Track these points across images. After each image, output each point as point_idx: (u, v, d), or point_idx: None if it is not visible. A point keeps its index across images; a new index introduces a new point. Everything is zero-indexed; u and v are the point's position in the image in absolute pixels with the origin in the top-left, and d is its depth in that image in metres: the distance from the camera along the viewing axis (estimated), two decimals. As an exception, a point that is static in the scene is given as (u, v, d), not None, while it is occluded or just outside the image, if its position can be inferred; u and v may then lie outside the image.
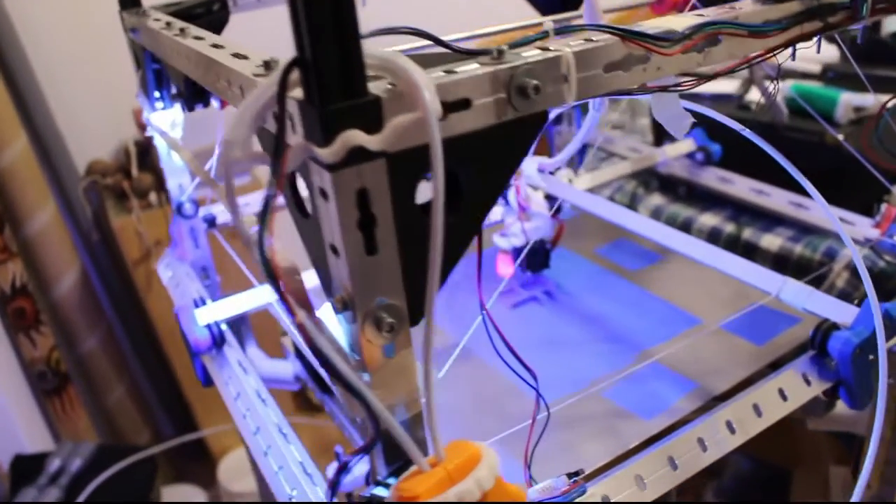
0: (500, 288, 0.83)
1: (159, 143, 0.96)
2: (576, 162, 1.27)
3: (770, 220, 1.17)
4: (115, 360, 1.94)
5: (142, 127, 1.84)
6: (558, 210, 0.90)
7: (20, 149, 1.63)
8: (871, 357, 0.60)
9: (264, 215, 0.35)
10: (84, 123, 1.82)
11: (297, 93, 0.36)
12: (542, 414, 0.55)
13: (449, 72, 0.39)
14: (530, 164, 0.88)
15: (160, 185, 1.65)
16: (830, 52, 1.44)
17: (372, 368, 0.42)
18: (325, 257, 0.41)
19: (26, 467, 1.59)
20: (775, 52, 0.51)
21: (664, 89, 0.50)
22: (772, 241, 1.14)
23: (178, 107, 0.90)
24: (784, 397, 0.60)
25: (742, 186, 1.02)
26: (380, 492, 0.41)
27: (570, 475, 0.50)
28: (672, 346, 0.80)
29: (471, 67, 0.40)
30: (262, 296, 0.82)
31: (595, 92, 0.44)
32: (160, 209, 1.69)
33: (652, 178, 1.38)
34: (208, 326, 0.78)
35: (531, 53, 0.42)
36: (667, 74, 0.48)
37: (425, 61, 0.39)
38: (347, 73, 0.35)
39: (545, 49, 0.43)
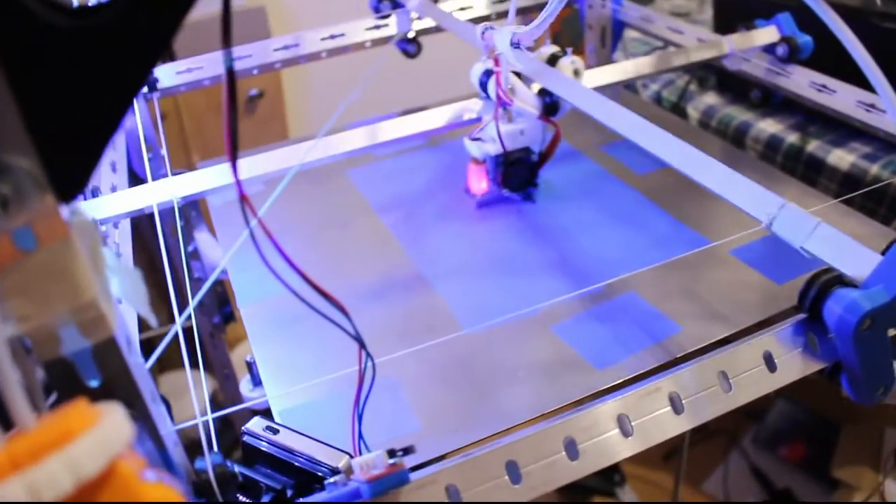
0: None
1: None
2: (609, 48, 1.04)
3: (845, 132, 0.93)
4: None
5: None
6: (552, 110, 0.68)
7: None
8: (891, 332, 0.39)
9: None
10: None
11: None
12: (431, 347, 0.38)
13: None
14: (502, 37, 0.67)
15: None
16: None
17: (-3, 267, 0.25)
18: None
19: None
20: None
21: None
22: (842, 157, 0.90)
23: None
24: (751, 375, 0.40)
25: (799, 79, 0.78)
26: None
27: (390, 453, 0.33)
28: (661, 275, 0.61)
29: None
30: (158, 193, 0.63)
31: None
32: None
33: (710, 74, 1.14)
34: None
35: None
36: None
37: None
38: None
39: None
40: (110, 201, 0.61)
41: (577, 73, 0.72)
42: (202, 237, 0.97)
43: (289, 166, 0.66)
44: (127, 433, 0.21)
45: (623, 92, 1.08)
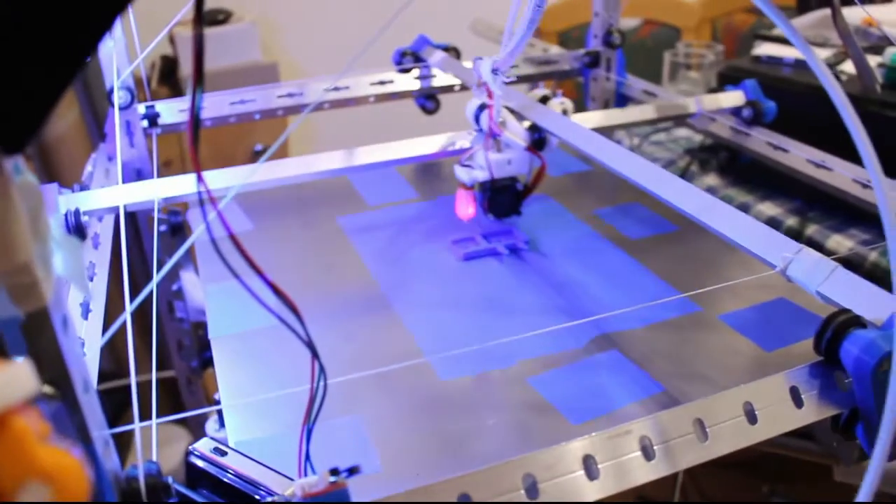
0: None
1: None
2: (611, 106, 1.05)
3: (845, 218, 0.92)
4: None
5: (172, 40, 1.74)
6: (540, 145, 0.69)
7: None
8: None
9: None
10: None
11: None
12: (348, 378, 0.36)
13: None
14: (485, 65, 0.69)
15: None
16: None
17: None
18: None
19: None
20: None
21: None
22: (841, 242, 0.90)
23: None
24: (752, 419, 0.38)
25: (798, 154, 0.78)
26: None
27: (333, 472, 0.31)
28: (647, 336, 0.59)
29: None
30: (141, 191, 0.65)
31: None
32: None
33: (711, 158, 1.15)
34: (65, 215, 0.61)
35: None
36: None
37: None
38: None
39: None
40: (93, 195, 0.62)
41: (565, 112, 0.76)
42: (188, 276, 0.96)
43: (263, 179, 0.67)
44: (27, 388, 0.20)
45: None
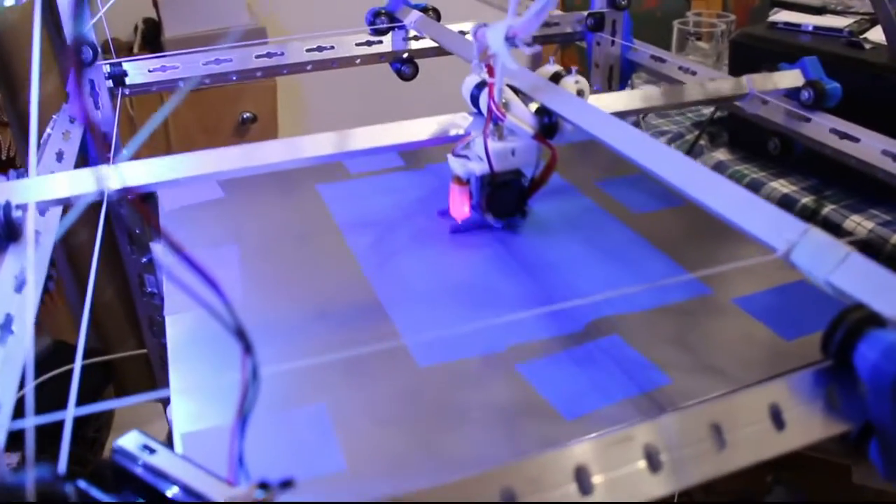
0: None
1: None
2: (617, 83, 0.98)
3: (864, 197, 0.86)
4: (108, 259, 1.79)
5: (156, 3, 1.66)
6: (550, 132, 0.60)
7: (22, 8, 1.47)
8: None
9: None
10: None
11: None
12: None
13: None
14: (496, 33, 0.55)
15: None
16: None
17: None
18: None
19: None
20: None
21: None
22: (860, 223, 0.83)
23: None
24: (780, 424, 0.32)
25: (820, 123, 0.71)
26: None
27: (263, 486, 0.25)
28: (652, 320, 0.53)
29: None
30: (86, 181, 0.55)
31: None
32: (158, 94, 1.49)
33: (722, 131, 1.08)
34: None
35: None
36: None
37: None
38: None
39: None
40: (30, 185, 0.54)
41: (581, 93, 0.65)
42: (159, 248, 0.90)
43: (246, 165, 0.59)
44: None
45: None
